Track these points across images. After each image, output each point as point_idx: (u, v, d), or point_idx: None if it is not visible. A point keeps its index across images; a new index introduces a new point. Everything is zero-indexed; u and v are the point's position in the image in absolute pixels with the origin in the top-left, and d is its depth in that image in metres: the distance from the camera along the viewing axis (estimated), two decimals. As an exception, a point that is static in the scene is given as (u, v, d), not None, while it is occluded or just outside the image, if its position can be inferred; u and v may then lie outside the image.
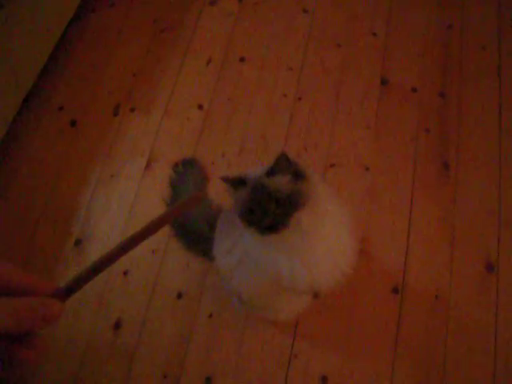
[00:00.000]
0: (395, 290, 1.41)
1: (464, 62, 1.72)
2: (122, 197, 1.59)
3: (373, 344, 1.36)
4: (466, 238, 1.47)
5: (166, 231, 1.42)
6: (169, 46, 1.79)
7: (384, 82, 1.69)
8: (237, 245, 1.03)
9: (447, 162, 1.56)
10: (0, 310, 0.40)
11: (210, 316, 1.41)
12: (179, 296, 1.44)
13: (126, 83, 1.75)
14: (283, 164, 0.87)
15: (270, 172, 0.88)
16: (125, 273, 1.48)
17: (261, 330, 1.38)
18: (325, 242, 0.92)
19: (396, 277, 1.43)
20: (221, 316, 1.41)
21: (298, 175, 0.88)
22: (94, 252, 1.51)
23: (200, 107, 1.69)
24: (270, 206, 0.84)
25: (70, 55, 1.83)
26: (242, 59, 1.76)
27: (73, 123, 1.68)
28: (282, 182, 0.87)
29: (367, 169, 1.56)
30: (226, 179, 0.91)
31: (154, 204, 1.53)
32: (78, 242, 1.53)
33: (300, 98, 1.68)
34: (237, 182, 0.90)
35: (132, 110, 1.71)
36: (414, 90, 1.67)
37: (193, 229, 1.35)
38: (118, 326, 1.42)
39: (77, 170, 1.63)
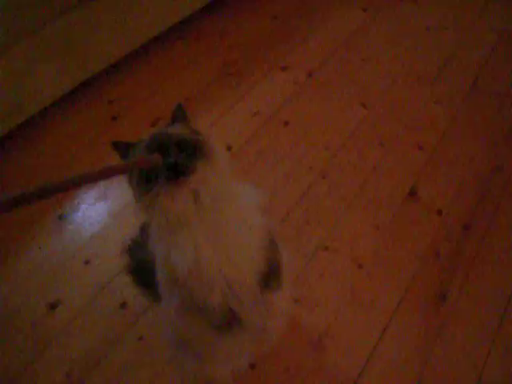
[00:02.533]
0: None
1: (502, 205, 1.63)
2: (120, 196, 1.63)
3: None
4: (434, 381, 1.30)
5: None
6: (226, 88, 1.90)
7: (412, 193, 1.64)
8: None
9: (445, 295, 1.43)
10: None
11: (140, 339, 1.33)
12: (123, 306, 1.38)
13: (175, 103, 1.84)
14: (180, 114, 0.87)
15: (167, 125, 0.87)
16: (87, 262, 1.47)
17: (179, 377, 1.27)
18: (230, 215, 0.83)
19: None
20: (149, 344, 1.32)
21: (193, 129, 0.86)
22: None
23: (228, 148, 1.74)
24: (173, 148, 0.77)
25: (140, 61, 2.01)
26: (286, 123, 1.81)
27: (114, 118, 1.79)
28: (181, 127, 0.84)
29: (360, 266, 1.47)
30: (115, 144, 0.86)
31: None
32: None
33: (324, 177, 1.67)
34: (127, 147, 0.85)
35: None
36: (439, 212, 1.60)
37: (150, 270, 1.17)
38: (54, 306, 1.39)
39: (97, 158, 1.71)
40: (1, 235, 1.54)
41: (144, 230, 1.38)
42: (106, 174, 0.62)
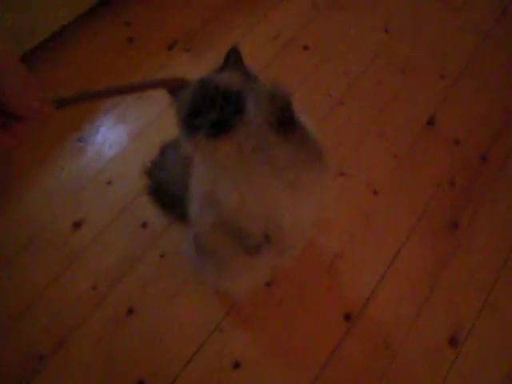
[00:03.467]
0: (347, 317, 1.32)
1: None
2: (140, 117, 1.62)
3: (301, 357, 1.28)
4: (442, 303, 1.36)
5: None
6: (247, 11, 1.84)
7: (431, 122, 1.62)
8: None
9: (458, 223, 1.47)
10: None
11: (162, 256, 1.39)
12: (144, 225, 1.43)
13: (192, 26, 1.80)
14: (234, 59, 0.79)
15: (220, 69, 0.80)
16: (109, 182, 1.51)
17: (198, 293, 1.35)
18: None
19: (354, 304, 1.34)
20: (171, 261, 1.39)
21: (249, 75, 0.79)
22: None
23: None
24: (217, 100, 0.73)
25: None
26: (305, 47, 1.76)
27: (130, 40, 1.75)
28: (231, 76, 0.78)
29: (375, 192, 1.49)
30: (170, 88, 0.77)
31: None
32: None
33: (343, 103, 1.65)
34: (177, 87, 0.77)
35: (187, 50, 1.75)
36: (457, 141, 1.59)
37: (169, 191, 1.29)
38: (77, 225, 1.44)
39: (114, 81, 1.68)
40: (22, 157, 1.57)
41: (164, 151, 1.40)
42: (139, 87, 0.69)
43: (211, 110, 0.73)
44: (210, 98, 0.74)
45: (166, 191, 1.35)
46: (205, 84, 0.76)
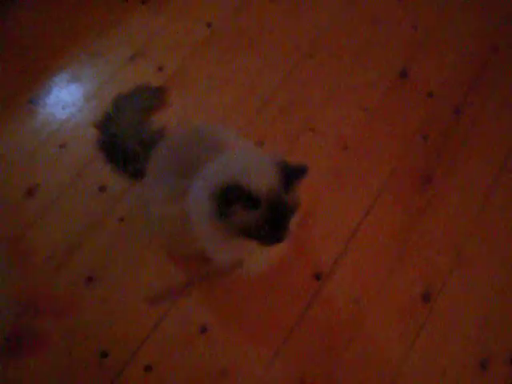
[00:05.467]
0: (317, 277, 1.28)
1: (496, 87, 1.57)
2: (95, 76, 1.52)
3: (271, 318, 1.23)
4: (414, 258, 1.32)
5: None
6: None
7: (403, 74, 1.56)
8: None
9: (431, 177, 1.42)
10: None
11: (122, 220, 1.31)
12: (102, 189, 1.35)
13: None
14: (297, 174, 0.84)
15: (285, 186, 0.83)
16: (63, 145, 1.41)
17: (161, 256, 1.28)
18: None
19: (324, 264, 1.30)
20: (131, 225, 1.31)
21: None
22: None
23: (208, 25, 1.61)
24: (288, 220, 0.82)
25: None
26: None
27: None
28: (295, 196, 0.85)
29: (345, 147, 1.43)
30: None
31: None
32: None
33: (311, 57, 1.57)
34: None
35: (143, 2, 1.64)
36: (430, 94, 1.53)
37: (123, 146, 1.26)
38: (31, 192, 1.35)
39: (64, 41, 1.58)
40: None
41: (117, 104, 1.32)
42: None
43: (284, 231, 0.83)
44: (287, 219, 0.83)
45: (120, 145, 1.27)
46: (279, 206, 0.82)
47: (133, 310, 1.22)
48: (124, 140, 1.20)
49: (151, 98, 1.42)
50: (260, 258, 1.10)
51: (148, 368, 1.16)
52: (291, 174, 0.82)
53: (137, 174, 1.17)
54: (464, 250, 1.34)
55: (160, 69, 1.53)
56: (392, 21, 1.66)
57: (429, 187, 1.41)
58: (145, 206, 1.14)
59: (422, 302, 1.27)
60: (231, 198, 0.78)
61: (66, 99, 1.48)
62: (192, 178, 0.91)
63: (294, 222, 0.86)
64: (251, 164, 0.84)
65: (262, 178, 0.81)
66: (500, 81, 1.59)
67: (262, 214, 0.80)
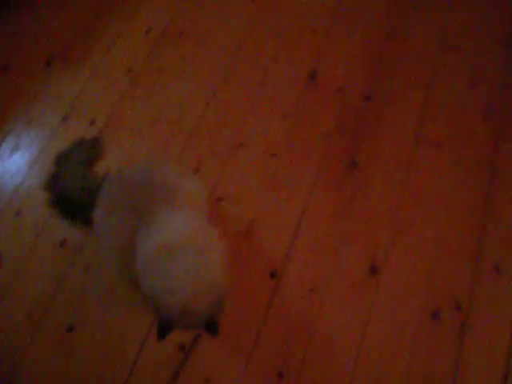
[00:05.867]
0: (272, 275, 1.41)
1: (397, 69, 1.73)
2: (34, 142, 1.63)
3: (239, 324, 1.35)
4: (356, 237, 1.46)
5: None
6: (116, 10, 1.85)
7: (312, 76, 1.71)
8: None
9: (355, 161, 1.57)
10: None
11: (86, 269, 1.42)
12: (62, 244, 1.46)
13: (65, 38, 1.81)
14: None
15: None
16: (18, 213, 1.52)
17: (129, 295, 1.40)
18: None
19: (276, 262, 1.43)
20: (96, 272, 1.42)
21: None
22: None
23: (129, 70, 1.75)
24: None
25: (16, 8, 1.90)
26: (181, 34, 1.81)
27: (5, 68, 1.73)
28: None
29: (274, 155, 1.57)
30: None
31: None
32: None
33: (226, 80, 1.72)
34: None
35: (63, 63, 1.76)
36: (340, 89, 1.69)
37: (72, 199, 1.33)
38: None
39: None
40: None
41: (58, 161, 1.40)
42: None
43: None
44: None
45: (69, 199, 1.34)
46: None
47: (114, 347, 1.33)
48: (72, 193, 1.30)
49: (89, 149, 1.52)
50: None
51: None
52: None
53: (89, 221, 1.27)
54: (398, 219, 1.49)
55: (92, 122, 1.66)
56: (294, 32, 1.82)
57: (355, 171, 1.56)
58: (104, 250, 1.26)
59: (370, 274, 1.41)
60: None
61: (12, 169, 1.59)
62: (139, 213, 1.07)
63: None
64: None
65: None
66: (400, 63, 1.75)
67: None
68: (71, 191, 1.36)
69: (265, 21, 1.84)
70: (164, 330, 0.97)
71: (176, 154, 1.60)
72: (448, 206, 1.49)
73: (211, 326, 0.99)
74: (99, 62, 1.78)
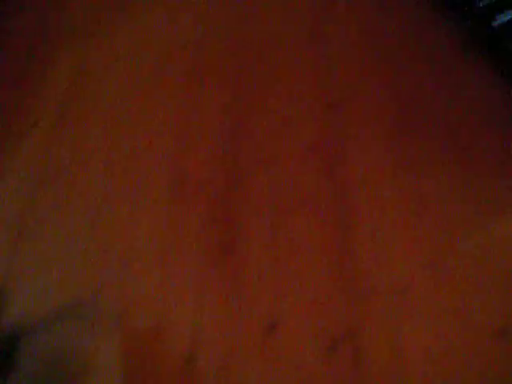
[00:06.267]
0: (187, 361, 1.51)
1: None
2: None
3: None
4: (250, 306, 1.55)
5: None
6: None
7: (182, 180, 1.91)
8: None
9: (231, 248, 1.68)
10: None
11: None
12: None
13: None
14: None
15: None
16: None
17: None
18: None
19: (190, 347, 1.52)
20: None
21: None
22: None
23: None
24: None
25: None
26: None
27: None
28: None
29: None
30: None
31: None
32: None
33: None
34: None
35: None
36: (201, 183, 1.83)
37: None
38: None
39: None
40: None
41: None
42: None
43: None
44: None
45: None
46: None
47: None
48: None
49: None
50: None
51: None
52: None
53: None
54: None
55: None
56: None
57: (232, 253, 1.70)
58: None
59: (269, 331, 1.46)
60: None
61: None
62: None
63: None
64: None
65: None
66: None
67: None
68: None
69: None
70: None
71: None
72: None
73: None
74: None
